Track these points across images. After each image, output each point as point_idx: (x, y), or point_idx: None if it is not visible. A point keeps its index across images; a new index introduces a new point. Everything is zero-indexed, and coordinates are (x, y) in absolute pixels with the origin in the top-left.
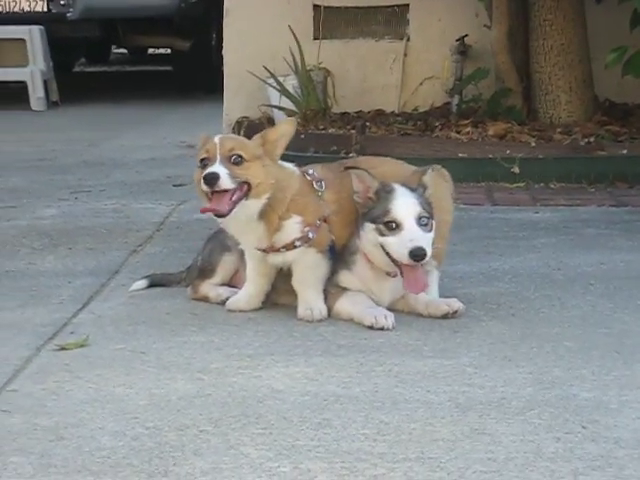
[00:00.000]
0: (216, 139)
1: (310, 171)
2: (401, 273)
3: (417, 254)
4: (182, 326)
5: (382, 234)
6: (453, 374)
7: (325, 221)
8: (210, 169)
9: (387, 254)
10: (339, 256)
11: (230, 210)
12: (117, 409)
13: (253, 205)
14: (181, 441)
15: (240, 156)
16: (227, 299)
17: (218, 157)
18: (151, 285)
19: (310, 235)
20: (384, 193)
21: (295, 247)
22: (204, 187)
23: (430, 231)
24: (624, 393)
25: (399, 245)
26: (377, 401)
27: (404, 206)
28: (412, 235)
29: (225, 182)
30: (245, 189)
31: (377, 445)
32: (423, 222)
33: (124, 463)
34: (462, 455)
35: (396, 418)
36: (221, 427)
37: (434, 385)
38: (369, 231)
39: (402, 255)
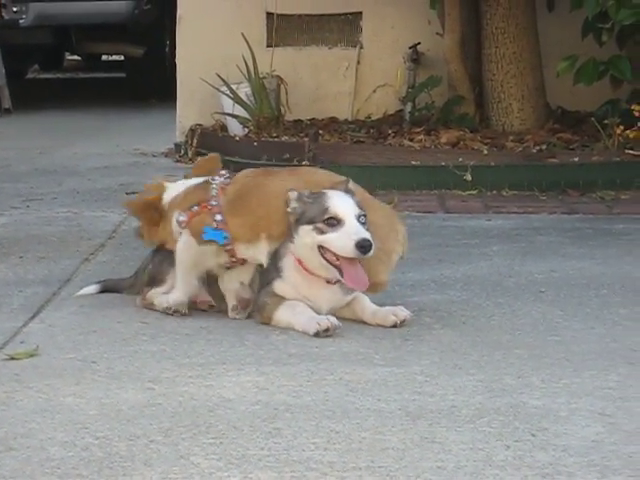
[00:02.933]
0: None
1: (222, 172)
2: (340, 273)
3: (363, 245)
4: (133, 335)
5: (322, 232)
6: (403, 382)
7: (208, 208)
8: (365, 235)
9: (323, 255)
10: (272, 265)
11: None
12: (67, 419)
13: None
14: (131, 451)
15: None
16: (168, 307)
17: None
18: (103, 291)
19: (179, 218)
20: (311, 198)
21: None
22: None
23: (368, 231)
24: (573, 401)
25: (343, 239)
26: (328, 410)
27: (343, 204)
28: (356, 229)
29: None
30: None
31: (327, 454)
32: (362, 220)
33: (74, 474)
34: (412, 464)
35: (346, 427)
36: (171, 437)
37: (385, 393)
38: (305, 234)
39: (347, 247)
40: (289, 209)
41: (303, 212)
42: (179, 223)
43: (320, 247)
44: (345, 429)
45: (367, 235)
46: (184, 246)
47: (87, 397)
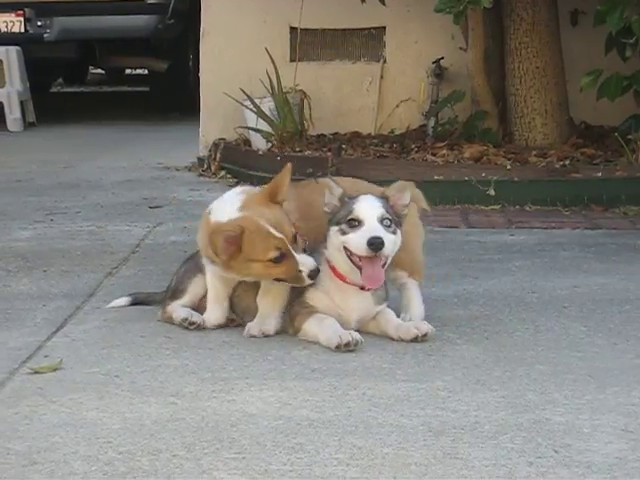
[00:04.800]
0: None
1: None
2: (361, 273)
3: (373, 242)
4: (156, 349)
5: (344, 233)
6: (426, 398)
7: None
8: (377, 232)
9: (350, 257)
10: None
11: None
12: (90, 433)
13: None
14: (154, 466)
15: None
16: (184, 320)
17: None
18: (134, 303)
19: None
20: (348, 199)
21: None
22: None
23: (394, 233)
24: (596, 417)
25: (358, 237)
26: (350, 425)
27: (367, 206)
28: (372, 228)
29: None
30: None
31: (350, 470)
32: (386, 223)
33: None
34: (435, 479)
35: (369, 442)
36: (194, 452)
37: (407, 409)
38: (333, 234)
39: (360, 246)
40: (326, 207)
41: (335, 213)
42: None
43: (345, 249)
44: (368, 445)
45: (380, 233)
46: None
47: (110, 411)
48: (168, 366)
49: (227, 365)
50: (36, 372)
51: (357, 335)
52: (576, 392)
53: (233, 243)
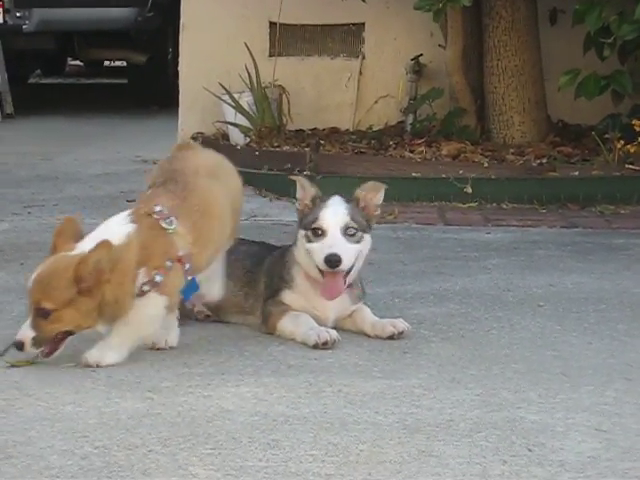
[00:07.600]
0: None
1: (157, 208)
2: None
3: (330, 259)
4: None
5: (309, 240)
6: (402, 395)
7: (180, 260)
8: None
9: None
10: (279, 275)
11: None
12: (66, 428)
13: None
14: (130, 461)
15: None
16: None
17: None
18: None
19: (157, 278)
20: (320, 201)
21: (144, 292)
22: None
23: (357, 242)
24: (570, 416)
25: (319, 250)
26: (326, 422)
27: (332, 214)
28: (332, 242)
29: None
30: None
31: (325, 466)
32: (350, 232)
33: None
34: (409, 477)
35: (344, 439)
36: (170, 447)
37: (383, 406)
38: (300, 238)
39: (319, 260)
40: (297, 204)
41: (305, 215)
42: (154, 285)
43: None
44: (343, 441)
45: (339, 250)
46: (157, 314)
47: (86, 406)
48: (145, 361)
49: (204, 361)
50: (13, 366)
51: (335, 333)
52: (550, 391)
53: None
